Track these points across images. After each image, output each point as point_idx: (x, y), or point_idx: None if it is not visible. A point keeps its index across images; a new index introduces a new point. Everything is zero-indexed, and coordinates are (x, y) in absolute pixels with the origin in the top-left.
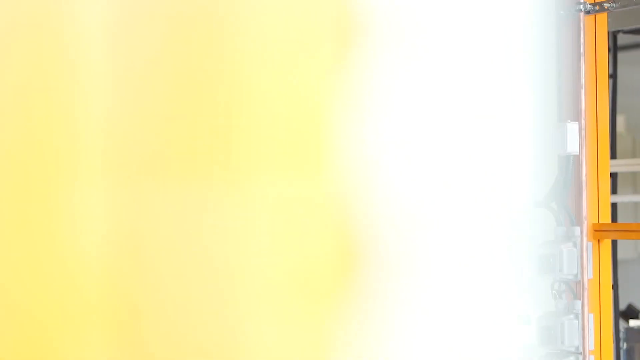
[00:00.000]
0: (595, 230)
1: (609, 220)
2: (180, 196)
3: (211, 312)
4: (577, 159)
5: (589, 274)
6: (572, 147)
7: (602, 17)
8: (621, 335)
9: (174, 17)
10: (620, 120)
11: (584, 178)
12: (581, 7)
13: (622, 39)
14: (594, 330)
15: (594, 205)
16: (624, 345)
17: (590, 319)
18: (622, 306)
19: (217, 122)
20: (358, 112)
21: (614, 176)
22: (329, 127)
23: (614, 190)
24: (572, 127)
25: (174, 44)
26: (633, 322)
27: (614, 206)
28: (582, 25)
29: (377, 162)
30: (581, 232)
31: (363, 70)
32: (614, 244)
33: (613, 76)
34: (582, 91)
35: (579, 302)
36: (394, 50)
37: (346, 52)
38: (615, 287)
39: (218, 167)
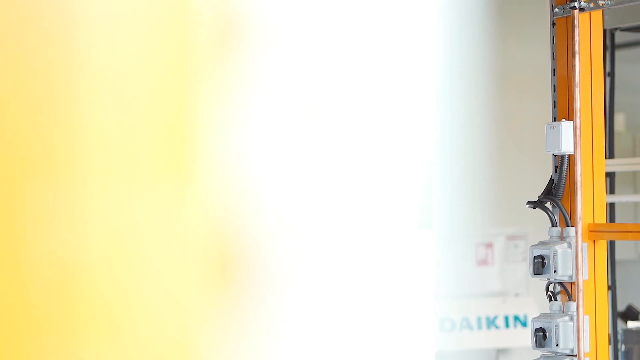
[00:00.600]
0: (591, 231)
1: (604, 220)
2: (19, 198)
3: (54, 319)
4: (572, 158)
5: (584, 275)
6: (567, 146)
7: (597, 15)
8: (619, 337)
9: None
10: (619, 118)
11: (578, 178)
12: (575, 4)
13: (620, 37)
14: (589, 332)
15: (589, 205)
16: (622, 347)
17: (586, 321)
18: (622, 307)
19: (60, 123)
20: (229, 114)
21: (611, 176)
22: (196, 128)
23: (611, 190)
24: (567, 126)
25: (8, 40)
26: (631, 324)
27: (611, 206)
28: (576, 22)
29: (250, 166)
30: (576, 232)
31: (235, 69)
32: (612, 244)
33: (611, 74)
34: (577, 90)
35: (574, 304)
36: (271, 49)
37: (215, 50)
38: (613, 288)
39: (64, 171)
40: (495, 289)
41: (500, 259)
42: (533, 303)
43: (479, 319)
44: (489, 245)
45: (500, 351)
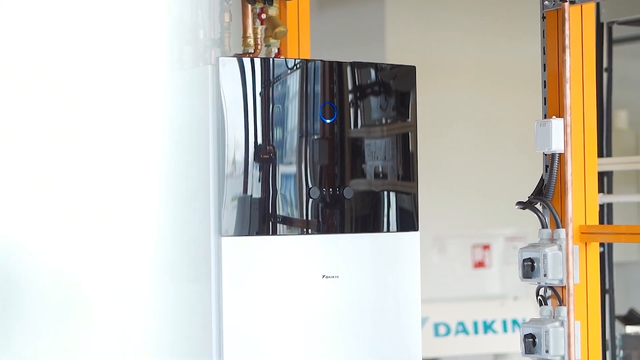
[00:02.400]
0: (582, 233)
1: (596, 221)
2: None
3: None
4: (563, 157)
5: (575, 278)
6: (557, 144)
7: (589, 7)
8: (617, 342)
9: None
10: (622, 115)
11: (569, 177)
12: None
13: (624, 31)
14: (580, 338)
15: (581, 206)
16: (620, 353)
17: (577, 327)
18: (624, 311)
19: None
20: None
21: (608, 175)
22: None
23: (609, 190)
24: (557, 124)
25: None
26: (630, 329)
27: (609, 207)
28: (567, 16)
29: None
30: (566, 234)
31: None
32: (610, 246)
33: (608, 69)
34: (567, 86)
35: (564, 309)
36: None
37: None
38: (610, 291)
39: None
40: (493, 292)
41: (499, 260)
42: (532, 306)
43: (475, 323)
44: (486, 247)
45: (497, 356)
